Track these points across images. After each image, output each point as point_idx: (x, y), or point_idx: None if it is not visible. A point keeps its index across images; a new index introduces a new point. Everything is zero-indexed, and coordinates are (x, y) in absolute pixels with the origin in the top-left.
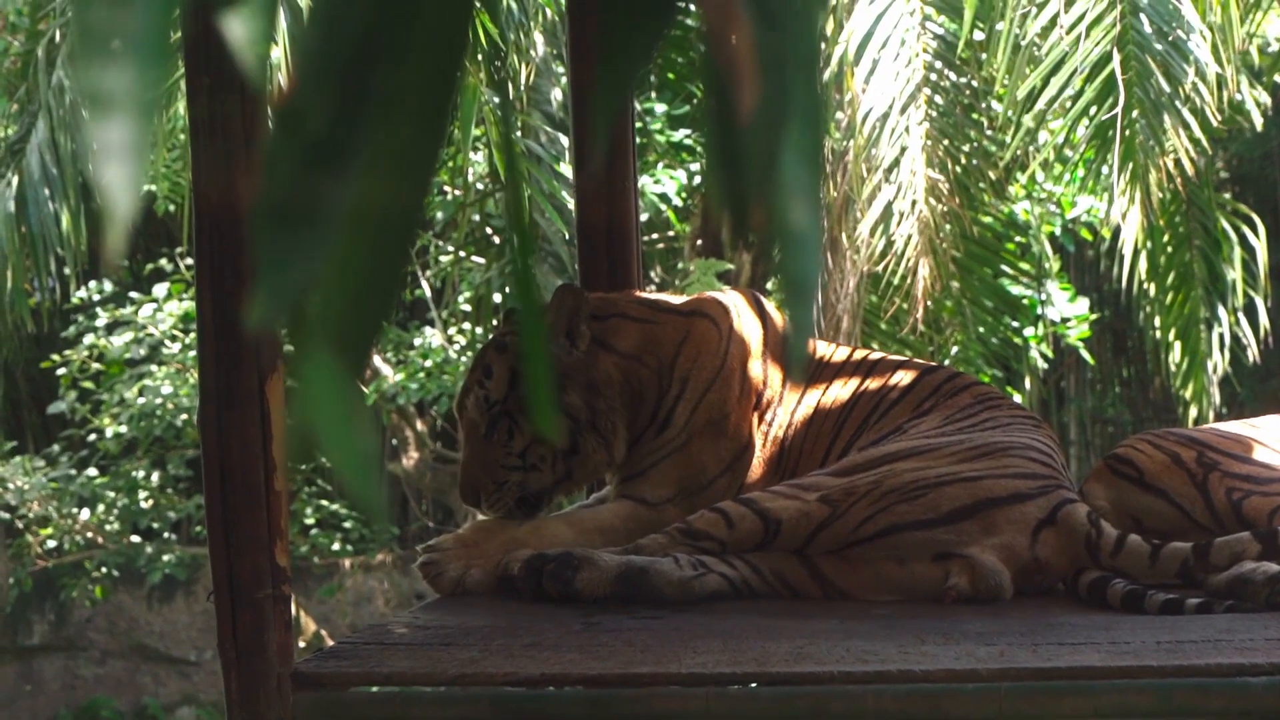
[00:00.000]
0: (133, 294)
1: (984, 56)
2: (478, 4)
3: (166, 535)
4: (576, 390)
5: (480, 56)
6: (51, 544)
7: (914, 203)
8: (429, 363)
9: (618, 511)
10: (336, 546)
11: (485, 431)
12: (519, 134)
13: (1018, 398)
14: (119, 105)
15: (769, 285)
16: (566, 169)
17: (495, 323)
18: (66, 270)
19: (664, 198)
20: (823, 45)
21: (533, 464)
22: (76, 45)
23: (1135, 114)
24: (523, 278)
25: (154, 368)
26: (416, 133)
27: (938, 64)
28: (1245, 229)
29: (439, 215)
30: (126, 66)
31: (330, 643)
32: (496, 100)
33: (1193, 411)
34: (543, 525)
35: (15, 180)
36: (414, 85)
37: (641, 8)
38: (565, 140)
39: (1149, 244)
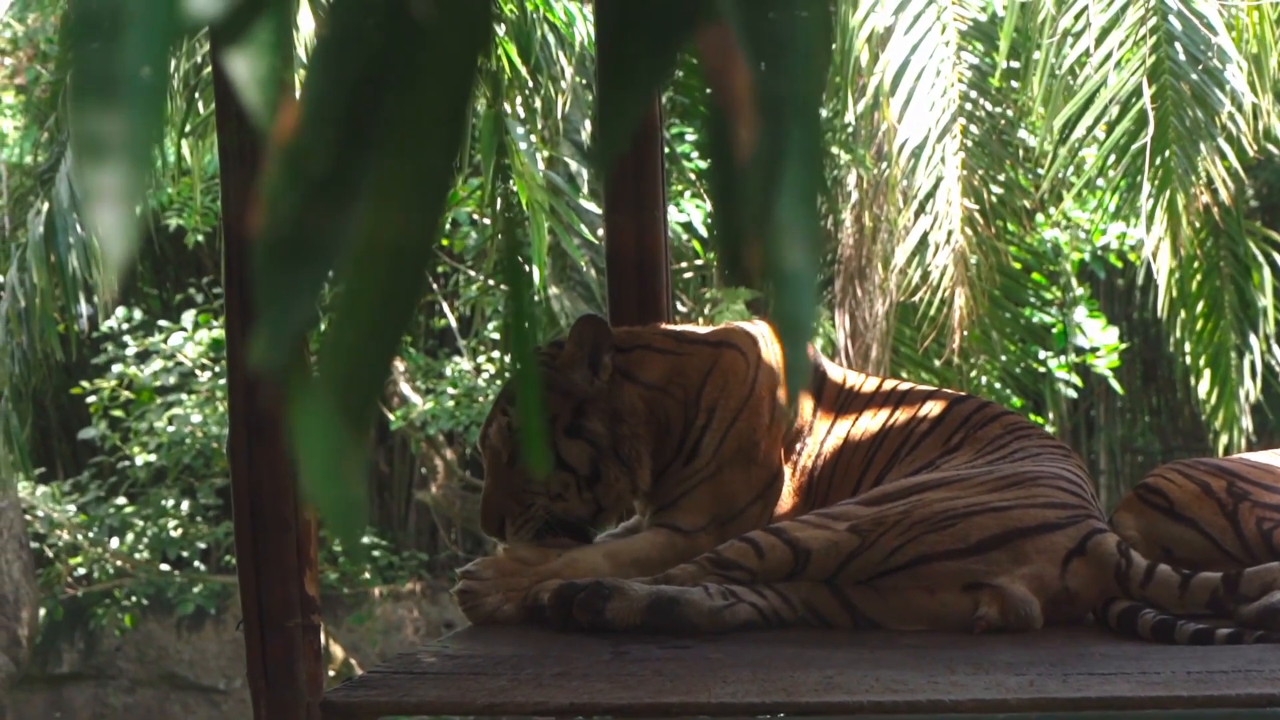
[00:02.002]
0: (162, 322)
1: (1015, 85)
2: (500, 34)
3: (196, 564)
4: (599, 417)
5: (500, 86)
6: (81, 572)
7: (950, 233)
8: (457, 391)
9: (653, 541)
10: (366, 575)
11: (508, 459)
12: (542, 167)
13: (1046, 427)
14: (113, 150)
15: None
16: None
17: None
18: (96, 298)
19: (688, 226)
20: (833, 79)
21: (557, 493)
22: (71, 88)
23: (1170, 141)
24: (518, 319)
25: (184, 396)
26: (423, 168)
27: (973, 94)
28: (1276, 256)
29: (470, 243)
30: (121, 110)
31: (360, 672)
32: (522, 131)
33: (1224, 439)
34: (579, 557)
35: (45, 208)
36: (420, 120)
37: (645, 48)
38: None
39: (1179, 272)
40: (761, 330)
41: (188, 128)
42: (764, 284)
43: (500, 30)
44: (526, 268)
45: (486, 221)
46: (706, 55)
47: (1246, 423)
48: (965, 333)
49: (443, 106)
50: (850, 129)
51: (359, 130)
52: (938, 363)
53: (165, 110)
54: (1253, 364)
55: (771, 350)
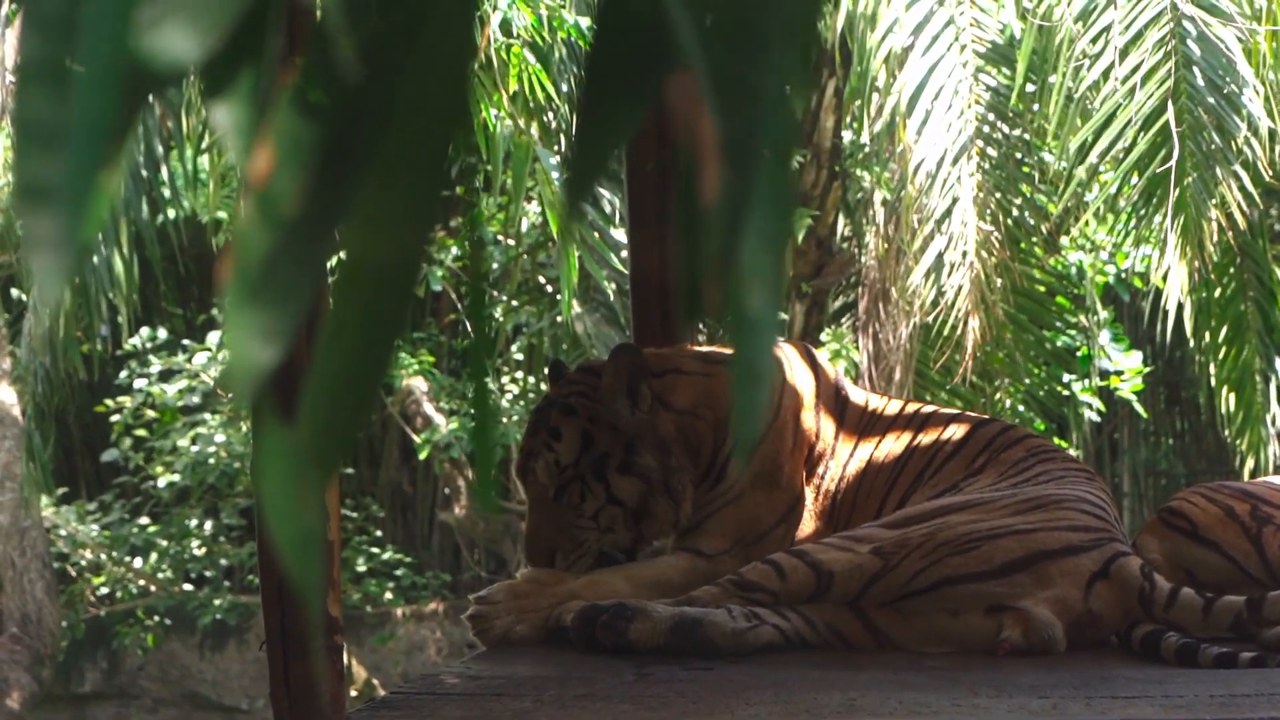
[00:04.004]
0: (186, 342)
1: (1036, 108)
2: (532, 61)
3: (221, 583)
4: (649, 451)
5: (530, 110)
6: (104, 591)
7: (965, 254)
8: None
9: (675, 565)
10: (389, 595)
11: (555, 494)
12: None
13: (1069, 450)
14: (54, 197)
15: (821, 336)
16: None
17: (546, 371)
18: (120, 318)
19: None
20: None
21: (607, 526)
22: (15, 132)
23: (1187, 166)
24: (477, 370)
25: (207, 416)
26: (403, 206)
27: (990, 116)
28: None
29: (494, 265)
30: (65, 156)
31: (382, 692)
32: (555, 161)
33: (1249, 463)
34: (598, 578)
35: None
36: (397, 179)
37: (617, 97)
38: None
39: (1202, 296)
40: (786, 352)
41: (205, 142)
42: (723, 325)
43: (532, 59)
44: (487, 298)
45: (510, 242)
46: (675, 101)
47: (1274, 447)
48: (979, 355)
49: (420, 158)
50: (867, 149)
51: (335, 171)
52: (958, 382)
53: (110, 156)
54: (1279, 388)
55: (796, 373)
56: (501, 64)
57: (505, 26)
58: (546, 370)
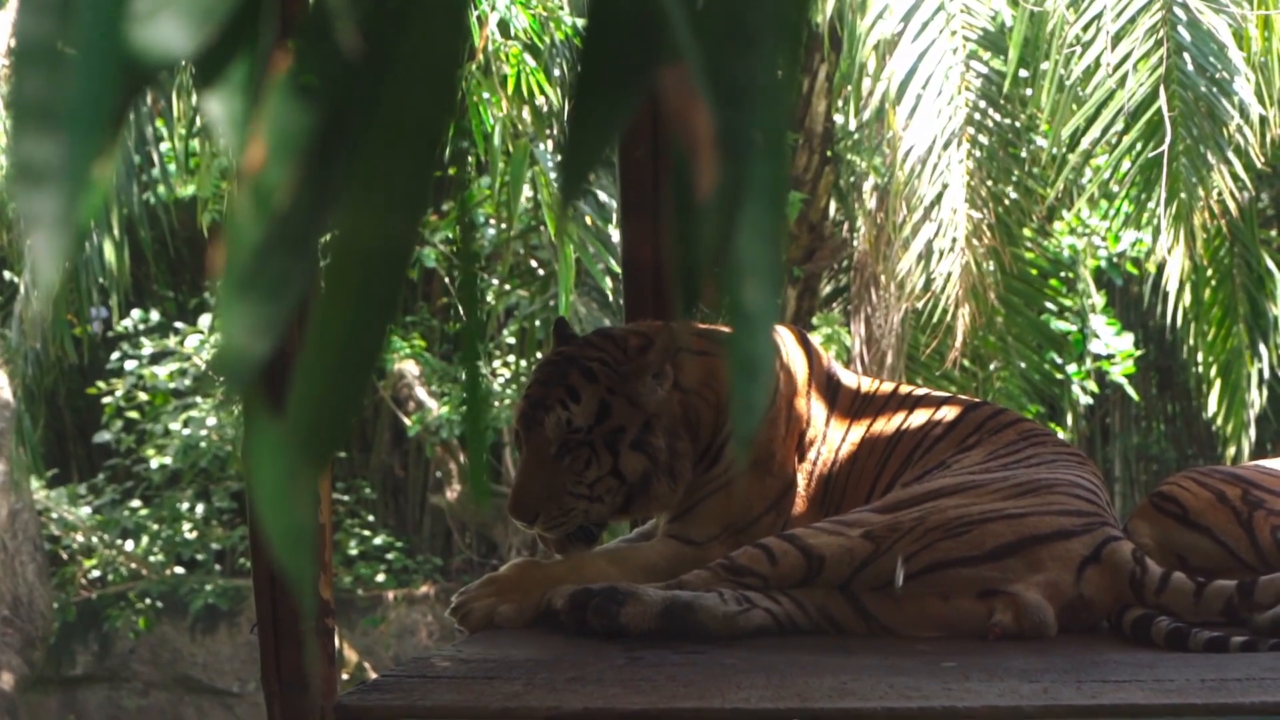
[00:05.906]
0: (178, 324)
1: (1029, 93)
2: (530, 63)
3: (212, 566)
4: (661, 432)
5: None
6: (95, 574)
7: (954, 240)
8: None
9: (662, 552)
10: (380, 578)
11: (557, 452)
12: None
13: (1061, 434)
14: (51, 177)
15: (813, 320)
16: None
17: (539, 355)
18: (111, 301)
19: None
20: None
21: (599, 495)
22: (12, 113)
23: (1179, 152)
24: (471, 373)
25: (199, 399)
26: (389, 209)
27: (981, 103)
28: None
29: (485, 246)
30: (61, 137)
31: (373, 675)
32: (551, 164)
33: (1231, 450)
34: (585, 563)
35: None
36: (387, 167)
37: (609, 88)
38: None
39: (1192, 280)
40: (782, 335)
41: (196, 125)
42: (722, 319)
43: (531, 61)
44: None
45: (502, 225)
46: (668, 94)
47: (1254, 431)
48: (969, 340)
49: (410, 153)
50: (856, 136)
51: (327, 160)
52: (949, 366)
53: (105, 139)
54: (1260, 373)
55: (792, 356)
56: (499, 64)
57: (504, 28)
58: (553, 329)
